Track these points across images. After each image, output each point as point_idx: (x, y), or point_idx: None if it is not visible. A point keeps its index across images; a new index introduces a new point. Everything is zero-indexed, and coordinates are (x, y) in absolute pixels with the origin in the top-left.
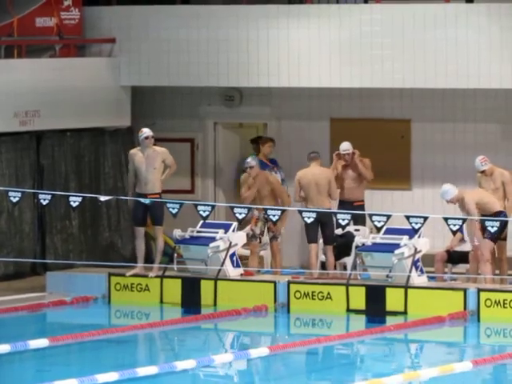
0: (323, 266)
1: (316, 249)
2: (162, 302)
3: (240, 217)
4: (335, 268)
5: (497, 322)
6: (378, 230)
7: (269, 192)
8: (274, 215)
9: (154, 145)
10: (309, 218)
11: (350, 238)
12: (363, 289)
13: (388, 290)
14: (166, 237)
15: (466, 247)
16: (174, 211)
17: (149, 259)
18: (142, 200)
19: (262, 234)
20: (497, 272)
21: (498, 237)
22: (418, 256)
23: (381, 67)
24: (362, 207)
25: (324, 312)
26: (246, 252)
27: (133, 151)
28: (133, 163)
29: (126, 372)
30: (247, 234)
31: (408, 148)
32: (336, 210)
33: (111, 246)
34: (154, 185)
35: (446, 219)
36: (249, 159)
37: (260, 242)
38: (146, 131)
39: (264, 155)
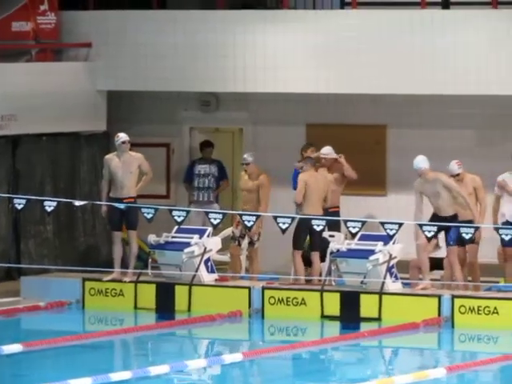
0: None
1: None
2: (136, 307)
3: (215, 222)
4: (309, 274)
5: (471, 329)
6: (353, 235)
7: (255, 188)
8: (248, 221)
9: (130, 150)
10: (284, 223)
11: (324, 243)
12: (338, 295)
13: (362, 296)
14: (141, 242)
15: (441, 254)
16: (148, 216)
17: (123, 264)
18: (117, 205)
19: (242, 236)
20: (469, 278)
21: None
22: (392, 262)
23: (357, 73)
24: (337, 213)
25: (298, 318)
26: (222, 257)
27: (108, 156)
28: (108, 168)
29: (100, 377)
30: (228, 236)
31: (384, 154)
32: (311, 216)
33: (86, 251)
34: (130, 189)
35: (420, 225)
36: (245, 155)
37: (240, 244)
38: (122, 136)
39: None
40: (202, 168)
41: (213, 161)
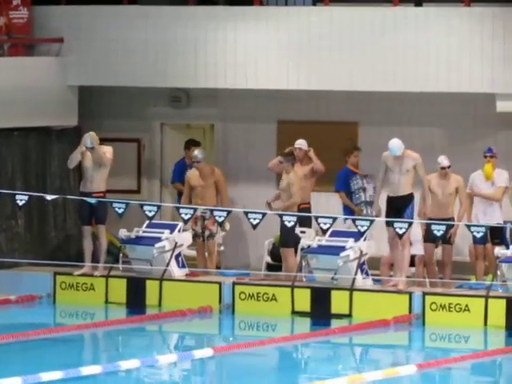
0: (269, 267)
1: None
2: (107, 301)
3: (186, 217)
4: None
5: (442, 326)
6: (324, 232)
7: (212, 185)
8: (220, 216)
9: (101, 143)
10: (254, 219)
11: (296, 239)
12: (308, 291)
13: (333, 293)
14: (112, 236)
15: (413, 251)
16: (119, 211)
17: (94, 258)
18: (89, 200)
19: (203, 231)
20: (440, 275)
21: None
22: (363, 259)
23: (328, 70)
24: (308, 209)
25: (269, 314)
26: (193, 253)
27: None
28: (82, 158)
29: (71, 371)
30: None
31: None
32: (282, 212)
33: (57, 245)
34: (99, 183)
35: (391, 222)
36: (196, 152)
37: (203, 240)
38: (88, 143)
39: (352, 165)
40: None
41: None
